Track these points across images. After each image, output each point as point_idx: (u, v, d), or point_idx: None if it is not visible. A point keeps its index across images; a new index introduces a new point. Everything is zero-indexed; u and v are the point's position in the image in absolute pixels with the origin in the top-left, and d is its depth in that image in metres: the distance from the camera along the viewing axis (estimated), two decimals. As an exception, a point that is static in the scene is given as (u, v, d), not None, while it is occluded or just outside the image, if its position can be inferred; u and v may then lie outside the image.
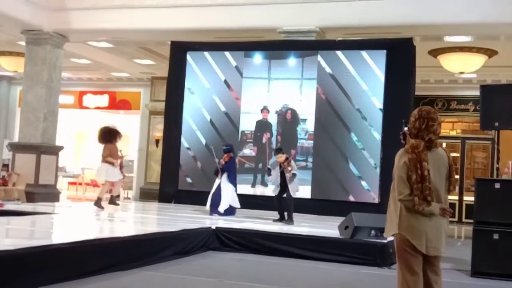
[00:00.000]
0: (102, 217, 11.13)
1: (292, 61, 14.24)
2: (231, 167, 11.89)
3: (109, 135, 12.03)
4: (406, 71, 13.06)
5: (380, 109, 13.26)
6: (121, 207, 12.27)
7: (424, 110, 4.16)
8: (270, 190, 13.95)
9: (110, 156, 11.76)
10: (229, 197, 11.71)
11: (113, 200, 12.35)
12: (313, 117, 13.89)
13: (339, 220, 9.29)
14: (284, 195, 10.79)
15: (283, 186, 10.76)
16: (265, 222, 10.87)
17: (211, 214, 11.61)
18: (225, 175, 11.72)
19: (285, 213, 10.82)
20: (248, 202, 12.85)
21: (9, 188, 14.29)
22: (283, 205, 10.86)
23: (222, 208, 11.62)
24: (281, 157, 10.79)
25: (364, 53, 13.51)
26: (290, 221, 10.65)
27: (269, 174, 11.31)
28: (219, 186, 11.70)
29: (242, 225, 10.29)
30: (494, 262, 7.69)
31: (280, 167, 10.76)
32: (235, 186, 11.88)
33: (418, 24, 12.54)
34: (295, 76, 14.19)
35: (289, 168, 10.57)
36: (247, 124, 14.43)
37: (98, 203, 11.73)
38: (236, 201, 11.86)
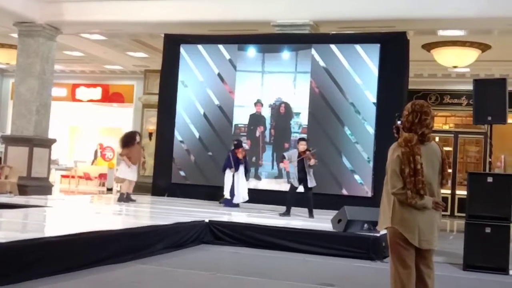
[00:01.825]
0: (95, 210, 11.12)
1: (286, 54, 14.21)
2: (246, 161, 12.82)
3: (129, 139, 12.42)
4: (399, 65, 13.08)
5: (374, 103, 13.27)
6: (114, 201, 12.30)
7: (417, 104, 4.16)
8: (263, 183, 14.02)
9: (128, 157, 12.18)
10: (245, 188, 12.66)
11: (129, 197, 12.54)
12: (307, 110, 13.89)
13: (332, 213, 9.31)
14: (300, 190, 10.90)
15: (301, 178, 10.78)
16: (258, 216, 10.88)
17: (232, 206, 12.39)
18: (242, 168, 12.51)
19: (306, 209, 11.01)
20: (242, 195, 12.88)
21: (1, 181, 14.26)
22: (306, 201, 10.95)
23: (241, 199, 12.47)
24: (304, 146, 10.80)
25: (358, 47, 13.50)
26: (311, 215, 10.80)
27: (281, 161, 11.37)
28: (233, 179, 12.51)
29: (235, 219, 10.29)
30: (486, 255, 7.73)
31: (299, 156, 10.76)
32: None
33: (412, 18, 12.54)
34: (288, 70, 14.18)
35: (313, 158, 10.64)
36: (241, 117, 14.41)
37: (121, 198, 12.34)
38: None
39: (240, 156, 12.47)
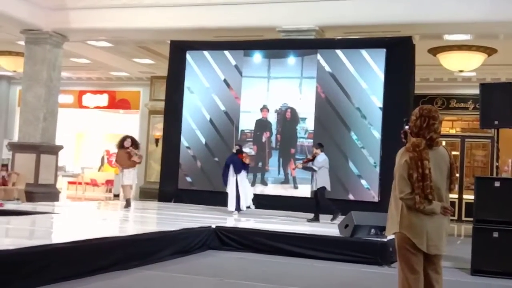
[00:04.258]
0: (102, 216, 11.14)
1: (291, 60, 14.24)
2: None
3: (119, 143, 12.37)
4: (405, 69, 13.07)
5: (380, 108, 13.26)
6: (121, 207, 12.28)
7: (426, 109, 4.15)
8: (269, 189, 14.02)
9: (116, 161, 12.22)
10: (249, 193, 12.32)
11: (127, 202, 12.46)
12: (313, 116, 13.89)
13: (339, 218, 9.29)
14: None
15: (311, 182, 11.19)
16: (265, 221, 10.87)
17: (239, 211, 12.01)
18: (244, 173, 12.16)
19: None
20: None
21: (9, 187, 14.28)
22: (321, 205, 11.08)
23: (246, 204, 12.13)
24: (315, 152, 11.15)
25: (363, 52, 13.51)
26: (316, 219, 10.99)
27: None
28: (237, 184, 12.06)
29: (242, 224, 10.29)
30: (494, 260, 7.70)
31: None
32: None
33: (417, 22, 12.54)
34: (294, 75, 14.19)
35: (307, 162, 10.92)
36: (247, 123, 14.43)
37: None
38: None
39: (247, 161, 12.25)
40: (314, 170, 10.98)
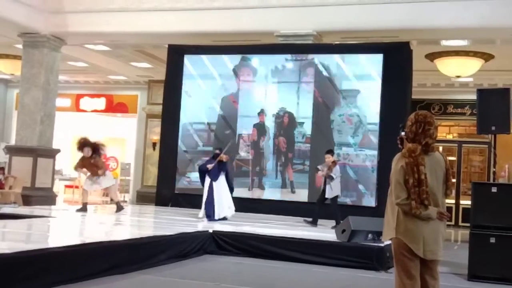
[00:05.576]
0: (99, 220, 11.12)
1: (289, 64, 14.25)
2: (229, 168, 11.79)
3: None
4: (402, 74, 13.08)
5: (377, 113, 13.27)
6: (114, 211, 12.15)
7: (421, 115, 4.17)
8: (267, 193, 14.00)
9: None
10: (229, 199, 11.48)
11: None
12: (310, 120, 13.89)
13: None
14: (328, 202, 11.14)
15: (323, 189, 11.17)
16: (262, 226, 10.87)
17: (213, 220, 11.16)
18: (222, 177, 11.39)
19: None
20: (245, 205, 12.83)
21: (5, 191, 14.27)
22: (332, 211, 11.08)
23: (221, 214, 11.32)
24: (329, 158, 11.20)
25: (361, 57, 13.53)
26: (314, 223, 11.08)
27: (317, 171, 11.60)
28: (212, 190, 11.25)
29: (239, 229, 10.27)
30: (491, 265, 7.71)
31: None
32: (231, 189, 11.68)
33: (415, 28, 12.57)
34: (292, 80, 14.20)
35: (331, 170, 10.96)
36: (245, 127, 14.42)
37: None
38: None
39: (224, 159, 11.22)
40: (333, 179, 11.05)
